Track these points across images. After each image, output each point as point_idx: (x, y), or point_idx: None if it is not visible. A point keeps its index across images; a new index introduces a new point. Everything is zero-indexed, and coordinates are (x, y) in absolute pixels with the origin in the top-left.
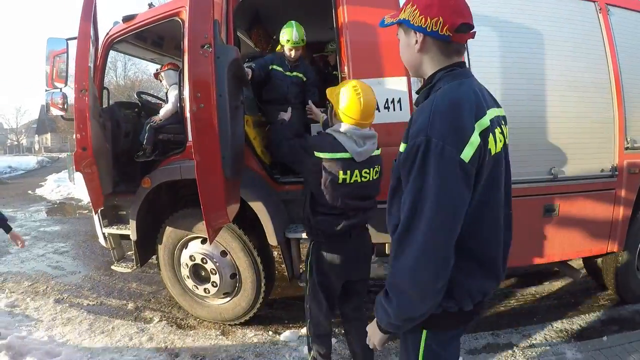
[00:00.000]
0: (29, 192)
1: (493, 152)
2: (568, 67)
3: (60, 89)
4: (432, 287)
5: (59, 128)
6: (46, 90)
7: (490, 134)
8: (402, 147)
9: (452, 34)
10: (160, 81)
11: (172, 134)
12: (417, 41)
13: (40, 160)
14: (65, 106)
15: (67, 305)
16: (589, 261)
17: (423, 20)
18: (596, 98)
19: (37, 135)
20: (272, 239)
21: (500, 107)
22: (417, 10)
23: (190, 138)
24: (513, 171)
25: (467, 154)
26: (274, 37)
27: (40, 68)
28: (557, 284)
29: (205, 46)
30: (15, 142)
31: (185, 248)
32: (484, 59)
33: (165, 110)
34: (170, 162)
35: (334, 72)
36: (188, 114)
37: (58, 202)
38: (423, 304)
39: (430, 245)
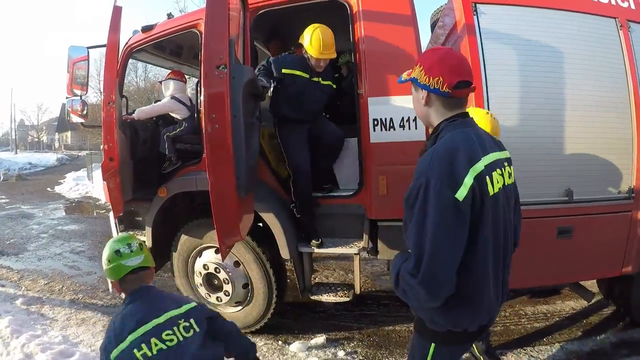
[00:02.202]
0: (48, 189)
1: (491, 193)
2: (586, 85)
3: (80, 96)
4: (429, 303)
5: (79, 127)
6: (67, 98)
7: (487, 177)
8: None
9: (451, 90)
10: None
11: (189, 144)
12: (423, 97)
13: (60, 157)
14: (85, 113)
15: (82, 305)
16: (602, 282)
17: (427, 79)
18: (614, 117)
19: (57, 133)
20: (284, 253)
21: (504, 150)
22: (423, 71)
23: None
24: (529, 192)
25: (461, 193)
26: (292, 48)
27: (63, 67)
28: (569, 304)
29: (221, 67)
30: (36, 139)
31: (199, 257)
32: (501, 79)
33: (181, 129)
34: (187, 172)
35: (342, 84)
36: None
37: (76, 200)
38: (425, 305)
39: (429, 276)
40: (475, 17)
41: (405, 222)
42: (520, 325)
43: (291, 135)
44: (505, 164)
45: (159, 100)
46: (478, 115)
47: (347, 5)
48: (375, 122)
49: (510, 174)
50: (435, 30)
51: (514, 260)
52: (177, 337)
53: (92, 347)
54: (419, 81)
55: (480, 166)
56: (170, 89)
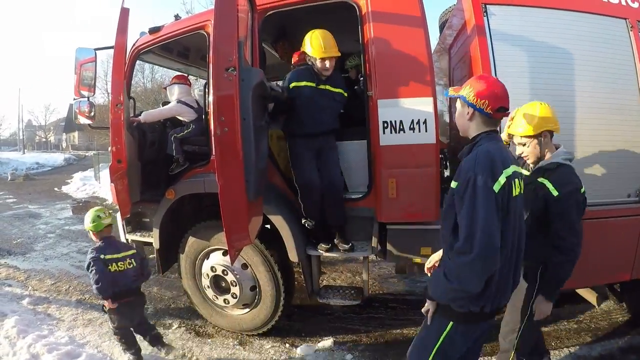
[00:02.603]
0: (55, 189)
1: (514, 194)
2: (596, 86)
3: (88, 97)
4: (485, 274)
5: (86, 127)
6: (74, 99)
7: (513, 180)
8: (453, 184)
9: (492, 112)
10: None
11: (197, 146)
12: (468, 113)
13: (67, 157)
14: (93, 114)
15: (89, 306)
16: (612, 287)
17: (475, 99)
18: (623, 119)
19: (64, 133)
20: (293, 256)
21: (519, 166)
22: (472, 92)
23: (214, 152)
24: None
25: (496, 187)
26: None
27: (66, 66)
28: (577, 308)
29: (230, 69)
30: (44, 139)
31: (207, 259)
32: (511, 80)
33: (189, 130)
34: (194, 174)
35: (355, 87)
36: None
37: (83, 200)
38: (472, 285)
39: (485, 242)
40: (485, 18)
41: (445, 214)
42: None
43: (299, 153)
44: (520, 177)
45: (167, 102)
46: (535, 108)
47: (356, 6)
48: (385, 125)
49: (522, 187)
50: (444, 31)
51: None
52: (126, 267)
53: (99, 349)
54: (467, 99)
55: (510, 171)
56: (175, 93)
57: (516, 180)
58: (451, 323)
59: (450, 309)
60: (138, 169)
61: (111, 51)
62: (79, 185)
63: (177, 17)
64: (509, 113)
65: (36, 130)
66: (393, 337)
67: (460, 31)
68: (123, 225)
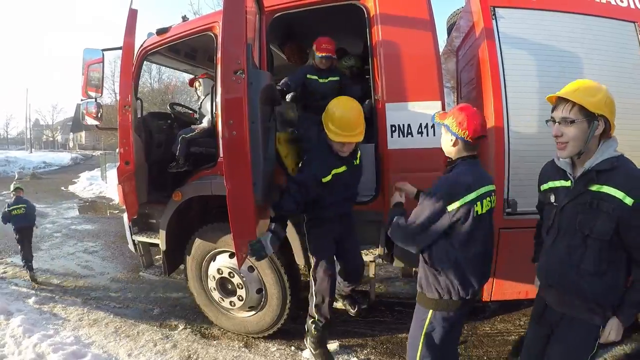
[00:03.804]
0: (62, 188)
1: (480, 212)
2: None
3: (95, 98)
4: (401, 243)
5: (93, 127)
6: (81, 100)
7: (478, 202)
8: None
9: (472, 140)
10: (196, 89)
11: (204, 147)
12: (452, 140)
13: (74, 157)
14: (100, 115)
15: (95, 306)
16: None
17: (458, 129)
18: (632, 123)
19: (71, 133)
20: (300, 260)
21: (493, 184)
22: (455, 122)
23: (222, 154)
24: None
25: (449, 208)
26: (307, 50)
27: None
28: None
29: (238, 72)
30: (51, 139)
31: (214, 261)
32: (520, 83)
33: (200, 127)
34: (201, 176)
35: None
36: (220, 130)
37: (90, 200)
38: (398, 242)
39: (410, 235)
40: (494, 21)
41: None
42: None
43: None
44: (493, 194)
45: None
46: (602, 88)
47: (364, 8)
48: (393, 128)
49: (493, 201)
50: (452, 33)
51: (533, 269)
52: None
53: (104, 349)
54: (451, 129)
55: (472, 195)
56: (208, 87)
57: (485, 200)
58: (431, 312)
59: (427, 297)
60: (145, 170)
61: (118, 51)
62: (86, 185)
63: (184, 18)
64: (486, 137)
65: (43, 130)
66: (399, 341)
67: (468, 33)
68: (129, 226)
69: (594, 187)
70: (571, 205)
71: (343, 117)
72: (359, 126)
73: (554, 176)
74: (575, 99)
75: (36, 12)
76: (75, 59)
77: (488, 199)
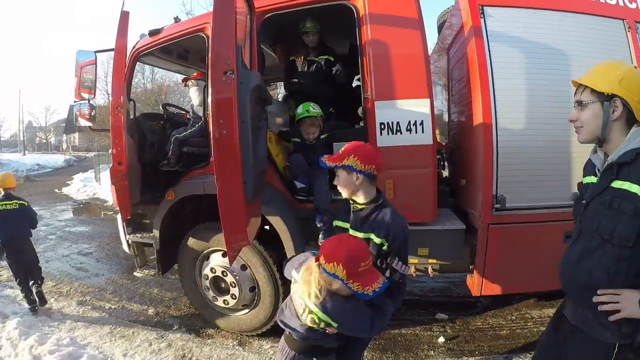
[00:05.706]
0: (56, 190)
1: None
2: None
3: (88, 100)
4: None
5: (86, 129)
6: (74, 102)
7: None
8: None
9: (376, 173)
10: (189, 88)
11: (196, 147)
12: (357, 178)
13: (68, 159)
14: (93, 116)
15: (90, 307)
16: None
17: (362, 165)
18: None
19: (65, 134)
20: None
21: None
22: (359, 161)
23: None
24: (536, 196)
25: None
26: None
27: (66, 67)
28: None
29: (228, 73)
30: (44, 140)
31: (207, 260)
32: (508, 81)
33: (191, 131)
34: (194, 176)
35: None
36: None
37: (84, 202)
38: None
39: None
40: (482, 20)
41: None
42: (527, 329)
43: None
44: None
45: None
46: (622, 65)
47: (353, 8)
48: (382, 126)
49: None
50: (443, 31)
51: (522, 264)
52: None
53: (100, 349)
54: (356, 168)
55: None
56: (202, 87)
57: None
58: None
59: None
60: (138, 170)
61: (111, 53)
62: (80, 187)
63: (176, 19)
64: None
65: (36, 132)
66: (391, 337)
67: (458, 32)
68: (123, 227)
69: (616, 184)
70: (593, 203)
71: None
72: None
73: (589, 171)
74: (582, 80)
75: (30, 13)
76: (67, 59)
77: None
